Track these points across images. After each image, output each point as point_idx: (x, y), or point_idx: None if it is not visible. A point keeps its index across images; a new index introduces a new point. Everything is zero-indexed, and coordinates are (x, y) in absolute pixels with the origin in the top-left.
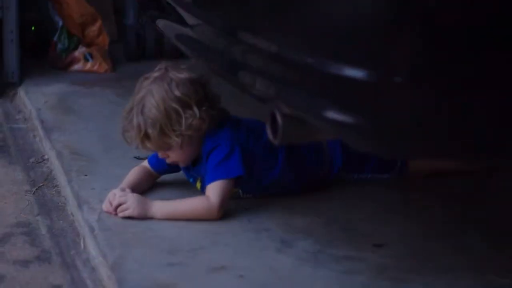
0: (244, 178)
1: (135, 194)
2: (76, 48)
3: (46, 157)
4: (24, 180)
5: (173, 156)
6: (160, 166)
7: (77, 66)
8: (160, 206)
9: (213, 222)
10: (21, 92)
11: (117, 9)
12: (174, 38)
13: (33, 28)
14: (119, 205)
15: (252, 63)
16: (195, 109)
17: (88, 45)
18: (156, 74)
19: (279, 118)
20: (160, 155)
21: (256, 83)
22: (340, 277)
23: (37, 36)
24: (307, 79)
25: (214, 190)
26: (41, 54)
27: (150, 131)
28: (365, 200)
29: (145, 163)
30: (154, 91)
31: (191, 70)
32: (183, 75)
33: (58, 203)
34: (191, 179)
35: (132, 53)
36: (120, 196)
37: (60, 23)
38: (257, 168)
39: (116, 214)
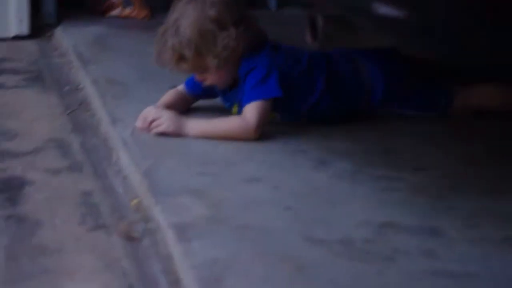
0: (282, 100)
1: (170, 111)
2: None
3: (81, 86)
4: (58, 104)
5: (209, 79)
6: (195, 90)
7: (115, 12)
8: (196, 124)
9: (249, 141)
10: (58, 31)
11: None
12: None
13: None
14: (153, 121)
15: None
16: (231, 30)
17: None
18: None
19: (319, 20)
20: (197, 77)
21: None
22: (378, 193)
23: None
24: None
25: (252, 110)
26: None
27: (185, 52)
28: (407, 132)
29: (181, 86)
30: (188, 12)
31: None
32: None
33: (92, 123)
34: (227, 104)
35: (172, 2)
36: (156, 112)
37: None
38: (295, 92)
39: (149, 131)
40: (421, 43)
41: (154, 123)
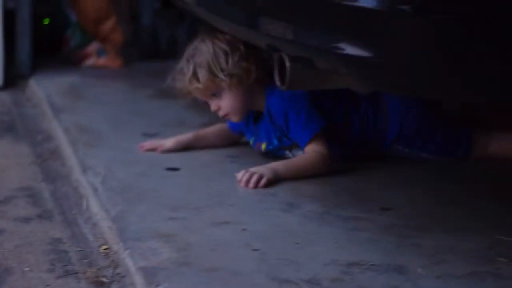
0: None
1: (258, 167)
2: (89, 43)
3: (53, 135)
4: (30, 154)
5: (224, 106)
6: (236, 126)
7: (90, 61)
8: (283, 165)
9: (218, 187)
10: (32, 81)
11: (132, 15)
12: (195, 3)
13: (46, 21)
14: (250, 179)
15: (269, 9)
16: (244, 52)
17: (102, 41)
18: (201, 34)
19: (287, 62)
20: (212, 107)
21: (273, 29)
22: (346, 233)
23: (50, 30)
24: (322, 13)
25: (317, 144)
26: (54, 49)
27: (198, 70)
28: (375, 172)
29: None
30: (205, 39)
31: None
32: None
33: (63, 172)
34: (251, 138)
35: (146, 52)
36: (245, 172)
37: (74, 18)
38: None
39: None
40: (390, 84)
41: (254, 179)
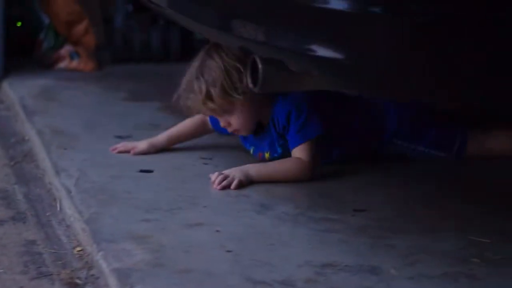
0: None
1: (231, 169)
2: (62, 46)
3: (26, 138)
4: (2, 156)
5: (234, 123)
6: (218, 126)
7: (62, 64)
8: (257, 169)
9: (191, 189)
10: (5, 84)
11: (105, 17)
12: (167, 5)
13: (19, 24)
14: (224, 180)
15: (242, 11)
16: None
17: (75, 43)
18: (206, 48)
19: (259, 64)
20: (222, 123)
21: (246, 31)
22: (320, 234)
23: (23, 33)
24: (294, 16)
25: (304, 151)
26: (26, 51)
27: (212, 90)
28: (347, 174)
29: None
30: (212, 54)
31: None
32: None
33: (36, 174)
34: (250, 147)
35: (119, 55)
36: (219, 174)
37: (47, 21)
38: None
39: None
40: (362, 86)
41: (226, 183)
